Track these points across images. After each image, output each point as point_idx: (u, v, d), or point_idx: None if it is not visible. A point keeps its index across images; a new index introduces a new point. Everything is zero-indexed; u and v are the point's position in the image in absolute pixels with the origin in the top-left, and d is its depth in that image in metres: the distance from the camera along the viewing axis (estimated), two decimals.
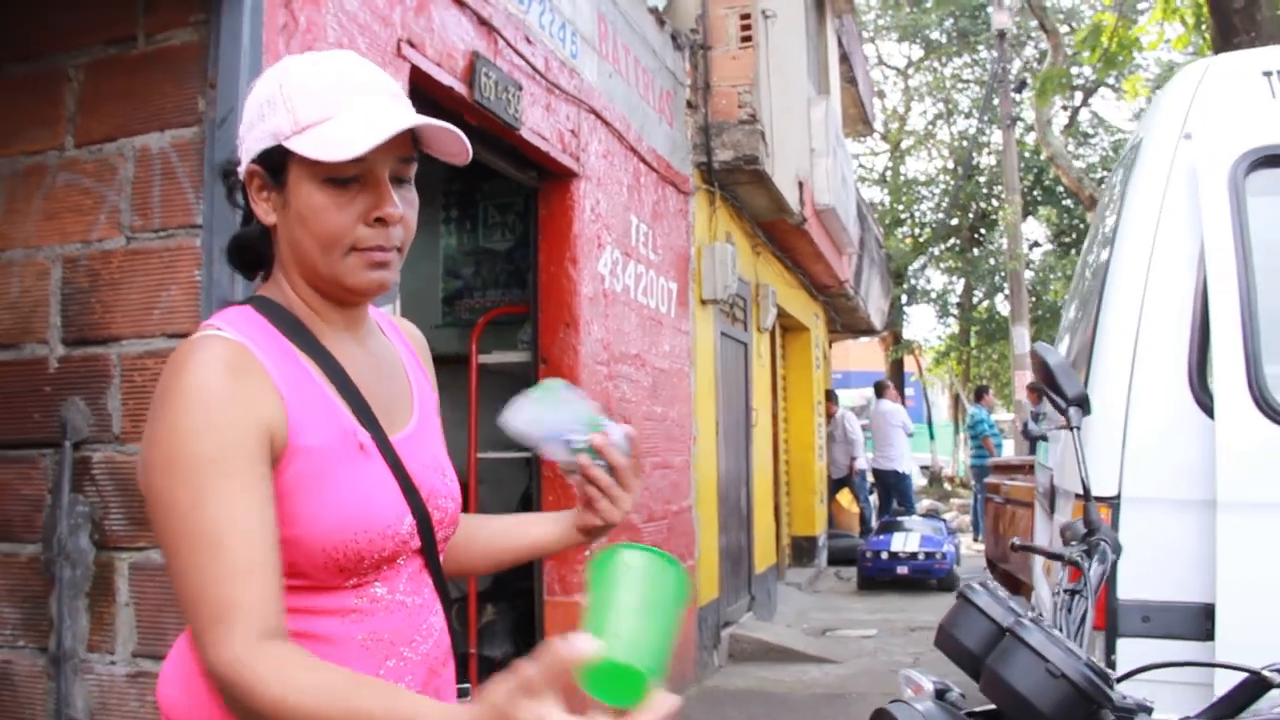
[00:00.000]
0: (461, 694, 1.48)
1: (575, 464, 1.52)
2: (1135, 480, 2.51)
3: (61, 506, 3.06)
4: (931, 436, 26.65)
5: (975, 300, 24.74)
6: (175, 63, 3.07)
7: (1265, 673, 1.34)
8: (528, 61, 4.56)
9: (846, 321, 15.02)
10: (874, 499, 14.62)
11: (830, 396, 14.14)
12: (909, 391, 26.89)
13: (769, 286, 9.46)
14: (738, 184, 7.77)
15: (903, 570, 10.70)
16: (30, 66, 3.29)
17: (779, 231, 9.25)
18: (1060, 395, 1.86)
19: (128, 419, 3.03)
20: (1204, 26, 9.64)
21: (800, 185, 8.79)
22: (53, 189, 3.21)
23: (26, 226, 3.24)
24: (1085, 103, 24.47)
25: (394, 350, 1.53)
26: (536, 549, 1.70)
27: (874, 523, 13.30)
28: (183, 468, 1.22)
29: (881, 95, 26.91)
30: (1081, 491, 1.76)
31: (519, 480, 6.04)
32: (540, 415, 1.51)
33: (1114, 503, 2.50)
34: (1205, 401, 2.49)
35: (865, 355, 26.94)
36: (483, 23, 4.18)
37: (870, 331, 17.16)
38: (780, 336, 11.63)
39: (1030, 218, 23.90)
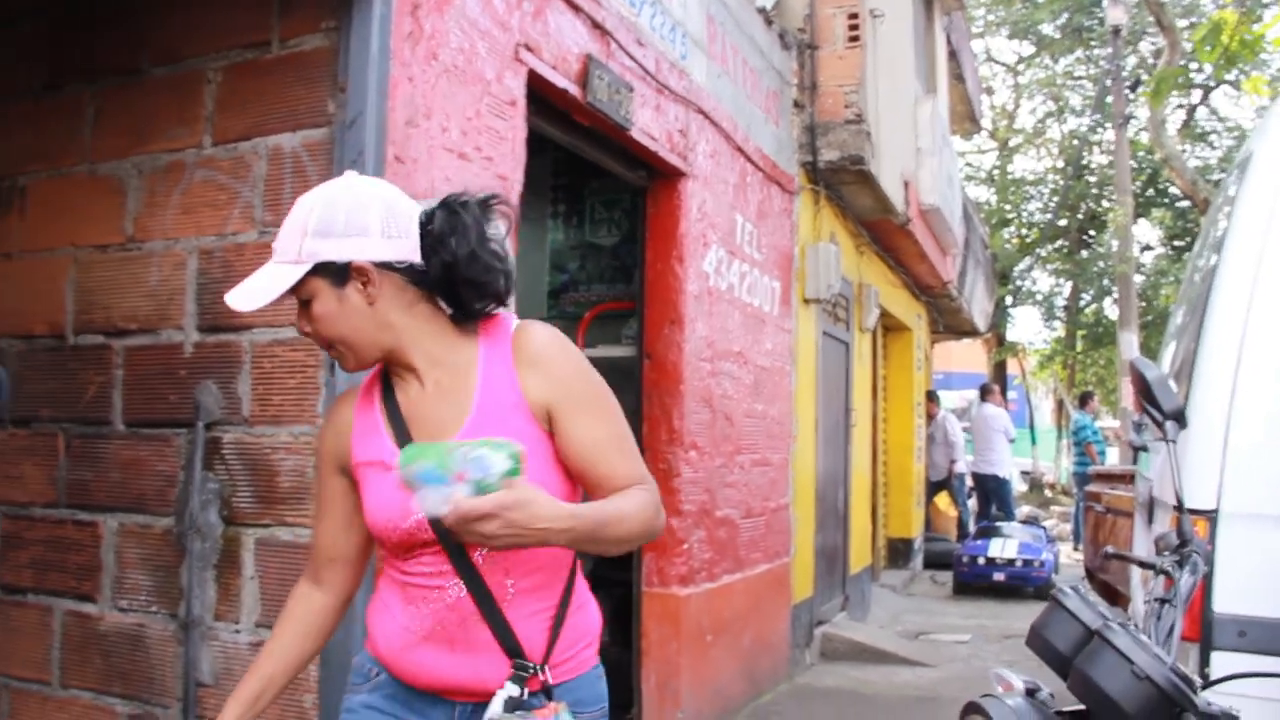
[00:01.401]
0: (510, 705, 1.80)
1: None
2: (1235, 494, 2.52)
3: (194, 483, 3.26)
4: (1034, 441, 26.21)
5: (1082, 303, 24.21)
6: (307, 67, 3.23)
7: None
8: (639, 63, 4.67)
9: (949, 322, 14.87)
10: (972, 503, 14.46)
11: (931, 398, 14.03)
12: (1011, 395, 26.46)
13: (872, 286, 9.45)
14: (842, 183, 7.79)
15: (999, 577, 10.60)
16: (171, 69, 3.49)
17: (883, 231, 9.24)
18: (1157, 409, 1.90)
19: (256, 403, 3.21)
20: None
21: (905, 185, 8.77)
22: (190, 185, 3.40)
23: (165, 219, 3.44)
24: (1204, 100, 23.78)
25: (470, 376, 1.85)
26: None
27: (971, 527, 13.16)
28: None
29: (990, 92, 26.47)
30: (1177, 503, 1.80)
31: None
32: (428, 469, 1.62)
33: (1212, 516, 2.51)
34: None
35: (968, 356, 26.54)
36: (596, 26, 4.30)
37: (973, 333, 16.94)
38: (882, 336, 11.59)
39: (1142, 220, 23.31)
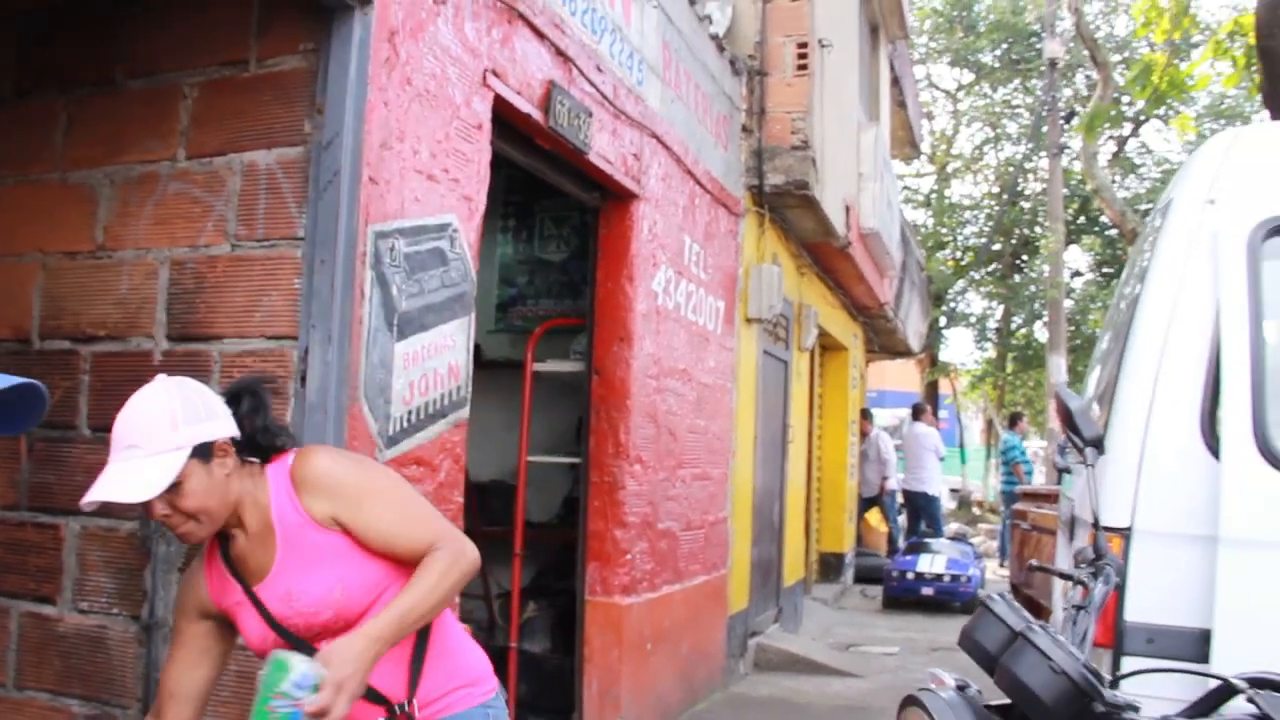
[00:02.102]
0: None
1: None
2: (1147, 514, 2.74)
3: None
4: (963, 460, 26.71)
5: (1014, 326, 24.79)
6: (284, 86, 3.35)
7: (1232, 680, 1.58)
8: (598, 89, 4.84)
9: (884, 343, 15.20)
10: (903, 520, 14.78)
11: (866, 415, 14.33)
12: (942, 414, 26.93)
13: (811, 307, 9.70)
14: (787, 207, 8.01)
15: (928, 591, 10.88)
16: (146, 82, 3.59)
17: (823, 253, 9.48)
18: (1079, 436, 2.11)
19: None
20: (1253, 67, 9.78)
21: (847, 209, 9.02)
22: (164, 196, 3.50)
23: (137, 229, 3.53)
24: (1134, 133, 24.50)
25: (268, 521, 2.18)
26: None
27: (901, 543, 13.46)
28: None
29: (930, 117, 27.02)
30: (1093, 521, 2.00)
31: (564, 484, 6.31)
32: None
33: (1126, 533, 2.73)
34: (1214, 446, 2.71)
35: (901, 375, 26.99)
36: (559, 53, 4.46)
37: (907, 353, 17.31)
38: (819, 355, 11.84)
39: (1073, 246, 23.95)
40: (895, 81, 14.07)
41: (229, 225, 3.37)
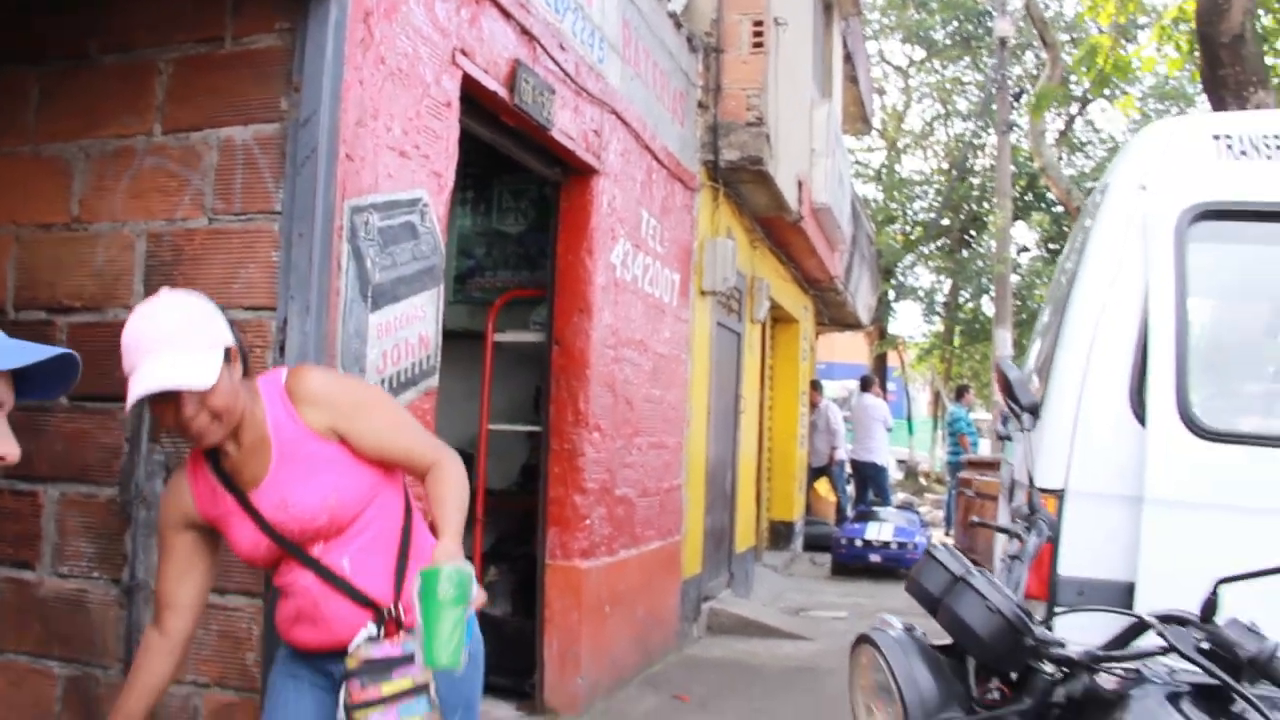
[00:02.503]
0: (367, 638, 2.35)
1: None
2: (1079, 476, 2.94)
3: (140, 454, 3.46)
4: (910, 431, 27.17)
5: (961, 300, 25.22)
6: (260, 64, 3.44)
7: (1144, 617, 1.77)
8: (561, 67, 4.96)
9: (834, 315, 15.45)
10: (851, 489, 15.08)
11: (815, 387, 14.59)
12: (891, 386, 27.33)
13: (764, 280, 9.88)
14: (741, 182, 8.17)
15: (875, 558, 11.16)
16: (120, 57, 3.65)
17: (776, 227, 9.66)
18: (1017, 403, 2.30)
19: None
20: (1196, 52, 10.08)
21: (799, 184, 9.20)
22: (140, 170, 3.58)
23: (113, 203, 3.61)
24: (1081, 111, 24.92)
25: (262, 433, 2.33)
26: None
27: (850, 512, 13.75)
28: None
29: (882, 92, 27.31)
30: (1028, 481, 2.19)
31: (523, 452, 6.45)
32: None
33: (1060, 494, 2.93)
34: (1141, 414, 2.92)
35: (850, 347, 27.33)
36: (524, 31, 4.58)
37: (857, 326, 17.59)
38: (770, 327, 12.05)
39: (1020, 222, 24.35)
40: (848, 58, 14.24)
41: (206, 199, 3.46)
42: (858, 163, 26.93)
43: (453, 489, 2.32)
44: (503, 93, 4.39)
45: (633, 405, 6.21)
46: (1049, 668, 1.81)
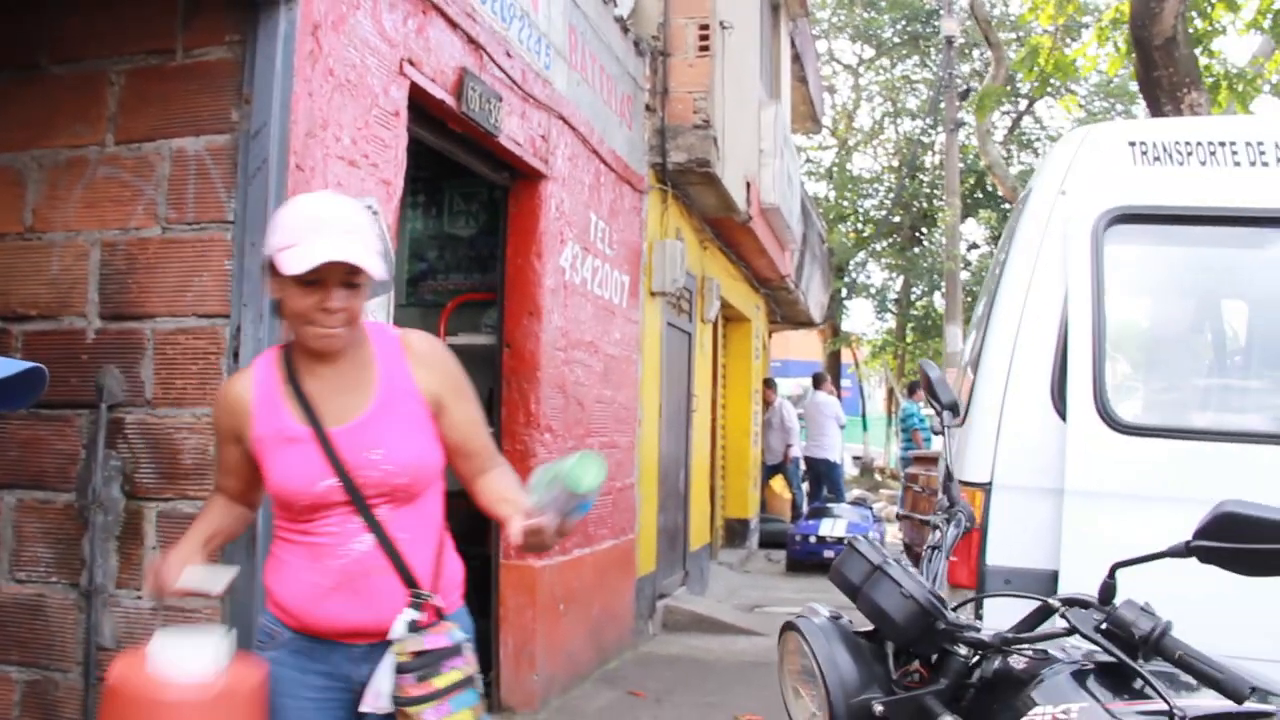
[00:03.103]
0: (411, 626, 2.21)
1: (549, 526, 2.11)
2: (1004, 470, 3.08)
3: (97, 460, 3.52)
4: (865, 428, 27.46)
5: (913, 297, 25.52)
6: (211, 76, 3.52)
7: (1049, 600, 1.91)
8: (507, 74, 5.05)
9: (787, 313, 15.63)
10: (806, 486, 15.24)
11: (769, 385, 14.74)
12: (845, 383, 27.61)
13: (714, 280, 10.02)
14: (689, 184, 8.29)
15: (829, 554, 11.27)
16: (71, 68, 3.71)
17: (725, 228, 9.80)
18: (938, 401, 2.43)
19: (159, 386, 3.49)
20: (1134, 54, 10.33)
21: (748, 185, 9.33)
22: (93, 180, 3.64)
23: (67, 212, 3.67)
24: (1029, 109, 25.31)
25: (368, 372, 2.25)
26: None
27: (805, 509, 13.92)
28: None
29: (832, 91, 27.56)
30: (947, 474, 2.32)
31: None
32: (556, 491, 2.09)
33: (987, 487, 3.07)
34: (1061, 410, 3.06)
35: (805, 345, 27.57)
36: (471, 41, 4.66)
37: (809, 324, 17.78)
38: (722, 327, 12.19)
39: (970, 219, 24.69)
40: (796, 58, 14.41)
41: (159, 209, 3.53)
42: (809, 160, 27.19)
43: (515, 482, 2.31)
44: (450, 101, 4.48)
45: (584, 406, 6.32)
46: (964, 650, 1.94)
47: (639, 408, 7.50)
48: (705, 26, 8.02)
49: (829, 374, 18.21)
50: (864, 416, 28.16)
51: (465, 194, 7.10)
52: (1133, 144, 3.28)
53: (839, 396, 17.05)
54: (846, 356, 28.11)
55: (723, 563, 11.49)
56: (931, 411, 3.34)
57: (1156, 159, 3.27)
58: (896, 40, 26.28)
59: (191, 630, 2.32)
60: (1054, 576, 2.96)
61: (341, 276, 2.10)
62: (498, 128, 4.93)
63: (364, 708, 2.23)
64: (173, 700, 2.06)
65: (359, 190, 3.84)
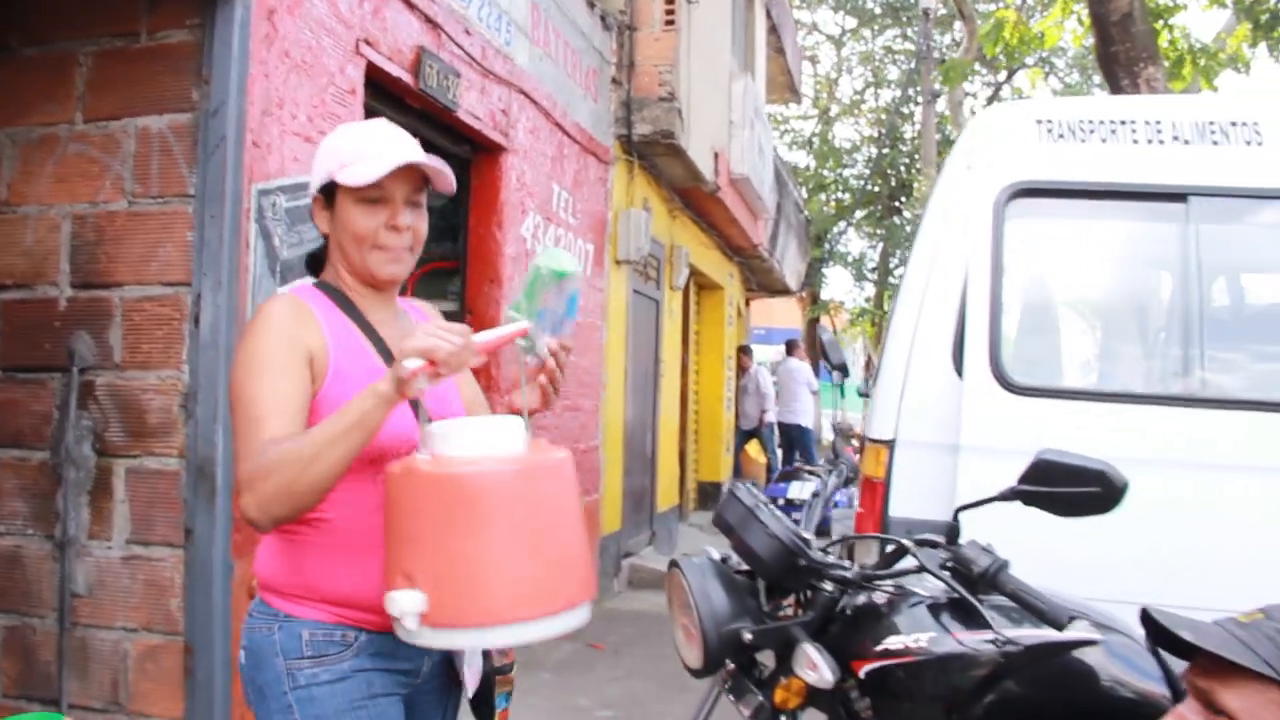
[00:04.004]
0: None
1: (541, 351, 1.98)
2: (907, 427, 3.32)
3: (69, 420, 3.74)
4: (843, 394, 27.71)
5: (891, 265, 25.74)
6: (173, 58, 3.71)
7: (902, 540, 2.15)
8: (466, 51, 5.24)
9: (762, 281, 15.86)
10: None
11: (745, 351, 14.99)
12: None
13: (683, 248, 10.23)
14: (656, 155, 8.50)
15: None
16: (42, 49, 3.90)
17: (695, 197, 10.01)
18: (829, 362, 2.68)
19: (127, 350, 3.70)
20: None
21: (716, 156, 9.54)
22: (64, 156, 3.84)
23: (39, 187, 3.87)
24: (1009, 79, 25.45)
25: (414, 321, 2.06)
26: None
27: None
28: (247, 364, 1.83)
29: (815, 61, 27.68)
30: (834, 430, 2.55)
31: None
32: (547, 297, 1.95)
33: (891, 444, 3.32)
34: (960, 371, 3.31)
35: (788, 313, 27.78)
36: (428, 20, 4.86)
37: (786, 292, 18.00)
38: (695, 294, 12.42)
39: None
40: (773, 29, 14.56)
41: (126, 183, 3.73)
42: (791, 130, 27.33)
43: None
44: (407, 78, 4.68)
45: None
46: (829, 586, 2.19)
47: (603, 373, 7.74)
48: (671, 0, 8.20)
49: (807, 341, 18.46)
50: (847, 375, 28.40)
51: None
52: (1039, 122, 3.50)
53: (814, 363, 17.29)
54: (826, 324, 28.34)
55: (693, 525, 11.76)
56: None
57: (1061, 136, 3.49)
58: (878, 11, 26.37)
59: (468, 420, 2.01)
60: (951, 528, 3.20)
61: (408, 194, 1.95)
62: (456, 103, 5.13)
63: (470, 687, 2.06)
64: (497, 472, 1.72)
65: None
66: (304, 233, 3.96)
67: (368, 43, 4.36)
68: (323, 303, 1.97)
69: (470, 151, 5.81)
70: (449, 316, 5.88)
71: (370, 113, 4.48)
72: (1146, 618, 1.57)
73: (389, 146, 1.94)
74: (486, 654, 2.08)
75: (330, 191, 1.96)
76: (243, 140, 3.60)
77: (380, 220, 1.93)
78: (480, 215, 5.89)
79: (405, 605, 1.62)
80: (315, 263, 2.10)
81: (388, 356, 1.94)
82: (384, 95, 4.70)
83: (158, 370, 3.66)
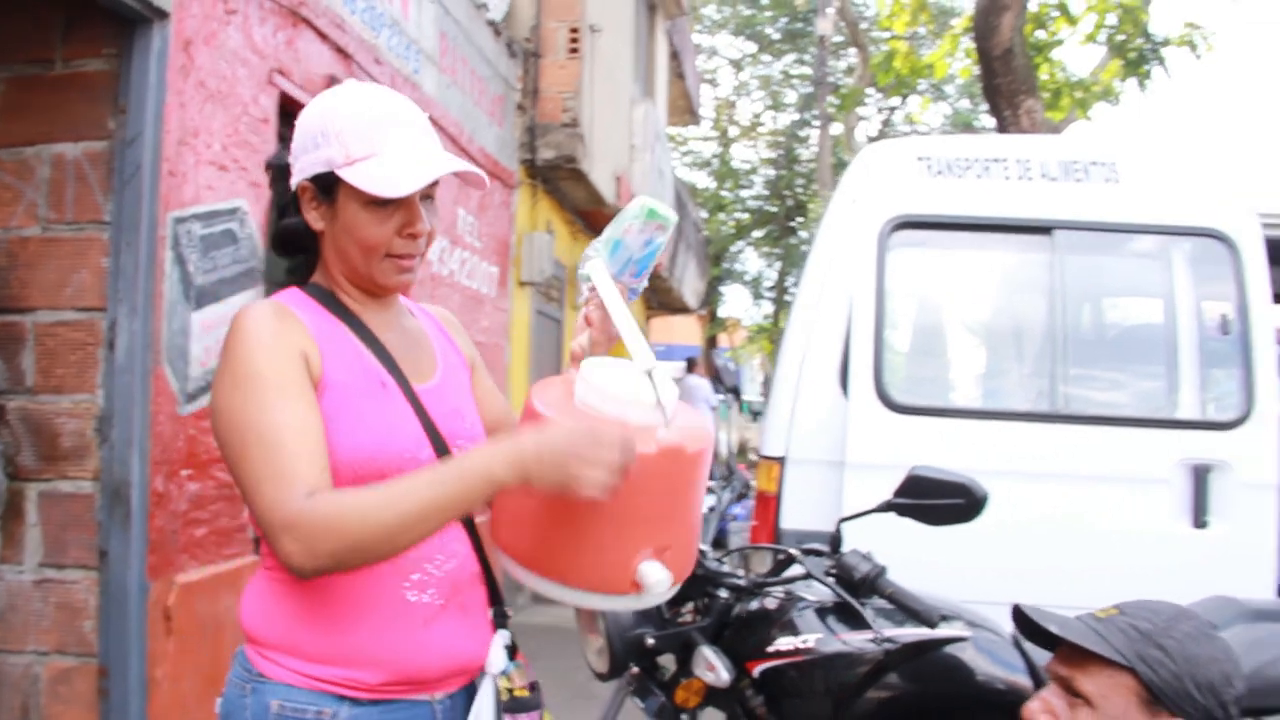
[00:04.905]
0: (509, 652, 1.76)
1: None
2: (797, 445, 3.56)
3: None
4: (743, 409, 28.19)
5: (788, 284, 26.27)
6: (89, 86, 3.77)
7: (790, 550, 2.36)
8: (375, 80, 5.37)
9: (662, 300, 16.13)
10: None
11: None
12: (730, 366, 28.15)
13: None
14: (559, 179, 8.69)
15: None
16: None
17: (597, 219, 10.19)
18: (723, 385, 2.89)
19: (40, 374, 3.73)
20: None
21: (618, 180, 9.76)
22: None
23: None
24: (902, 104, 26.21)
25: (420, 326, 1.83)
26: None
27: None
28: (245, 385, 1.53)
29: (714, 84, 28.17)
30: (727, 450, 2.76)
31: None
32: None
33: (782, 460, 3.54)
34: (846, 392, 3.55)
35: (688, 330, 28.12)
36: (339, 50, 4.98)
37: (685, 310, 18.31)
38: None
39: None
40: (675, 55, 14.89)
41: (40, 209, 3.77)
42: (690, 151, 27.76)
43: None
44: None
45: None
46: (725, 593, 2.39)
47: (508, 391, 7.87)
48: (575, 30, 8.42)
49: (705, 359, 18.75)
50: (740, 399, 28.90)
51: None
52: (920, 159, 3.77)
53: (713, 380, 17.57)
54: (724, 341, 28.78)
55: None
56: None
57: (939, 172, 3.76)
58: (776, 37, 26.98)
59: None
60: (837, 538, 3.44)
61: (425, 190, 1.67)
62: None
63: None
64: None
65: (229, 193, 4.14)
66: (219, 259, 4.05)
67: (281, 73, 4.46)
68: (309, 306, 1.67)
69: None
70: None
71: (284, 141, 4.58)
72: (1018, 613, 1.77)
73: (411, 143, 1.65)
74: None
75: (326, 183, 1.63)
76: (159, 169, 3.69)
77: (394, 226, 1.65)
78: None
79: (659, 575, 1.53)
80: (288, 248, 1.77)
81: (389, 364, 1.69)
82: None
83: (71, 394, 3.71)
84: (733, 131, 28.65)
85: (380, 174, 1.58)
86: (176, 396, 3.85)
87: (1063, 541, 3.41)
